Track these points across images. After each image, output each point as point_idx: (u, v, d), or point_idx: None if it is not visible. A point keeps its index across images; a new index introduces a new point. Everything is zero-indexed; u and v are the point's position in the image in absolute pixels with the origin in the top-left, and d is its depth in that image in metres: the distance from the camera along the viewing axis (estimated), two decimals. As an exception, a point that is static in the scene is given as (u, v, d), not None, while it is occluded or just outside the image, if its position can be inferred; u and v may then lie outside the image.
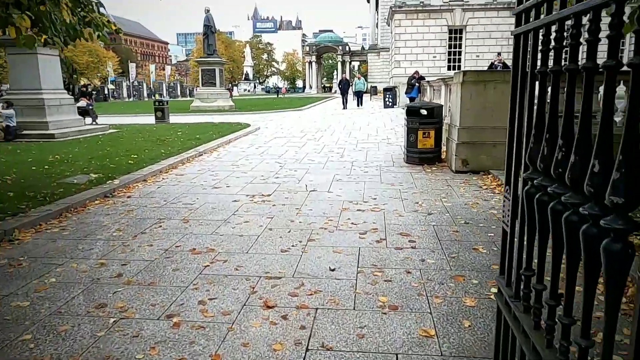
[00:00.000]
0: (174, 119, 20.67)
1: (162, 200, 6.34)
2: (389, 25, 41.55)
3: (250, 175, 8.02)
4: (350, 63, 75.17)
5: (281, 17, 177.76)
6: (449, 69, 32.93)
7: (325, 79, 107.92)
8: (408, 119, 8.71)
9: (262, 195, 6.59)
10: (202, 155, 10.32)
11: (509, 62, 16.79)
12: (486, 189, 6.83)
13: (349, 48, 76.04)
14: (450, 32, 32.74)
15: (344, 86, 26.99)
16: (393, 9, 32.92)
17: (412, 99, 17.71)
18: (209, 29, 28.85)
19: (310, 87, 76.02)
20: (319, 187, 7.08)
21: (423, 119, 8.54)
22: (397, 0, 32.68)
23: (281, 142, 12.42)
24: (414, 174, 7.98)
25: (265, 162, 9.39)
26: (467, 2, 32.18)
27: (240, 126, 15.93)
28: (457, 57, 33.21)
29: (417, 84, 17.40)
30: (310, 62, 74.27)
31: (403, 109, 23.94)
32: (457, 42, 33.01)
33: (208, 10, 28.81)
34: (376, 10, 66.37)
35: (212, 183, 7.44)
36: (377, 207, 5.85)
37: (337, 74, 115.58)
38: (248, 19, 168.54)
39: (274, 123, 18.33)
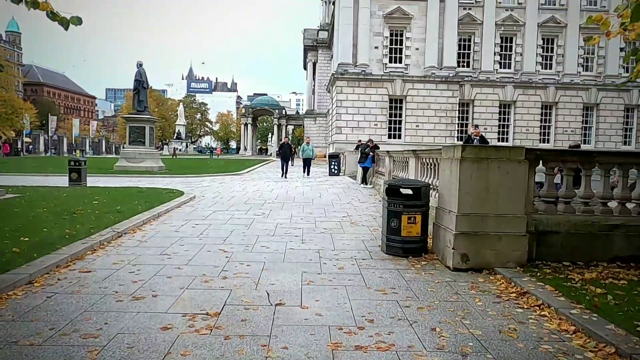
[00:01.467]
0: (92, 180, 17.97)
1: (47, 328, 4.06)
2: (328, 92, 41.61)
3: (187, 274, 5.88)
4: (286, 127, 74.97)
5: (216, 78, 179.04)
6: (389, 137, 32.94)
7: (259, 140, 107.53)
8: (389, 200, 7.09)
9: (207, 314, 4.50)
10: (122, 236, 8.00)
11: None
12: (507, 299, 5.20)
13: (285, 112, 76.17)
14: (391, 101, 32.97)
15: (286, 151, 23.72)
16: (335, 76, 32.77)
17: (365, 169, 16.44)
18: (141, 84, 26.78)
19: (245, 148, 74.53)
20: (287, 296, 5.11)
21: (408, 201, 6.96)
22: (339, 67, 32.63)
23: (223, 217, 10.33)
24: (403, 271, 6.24)
25: (206, 249, 7.27)
26: (407, 73, 32.79)
27: (172, 194, 13.66)
28: (397, 125, 33.32)
29: (371, 153, 16.19)
30: (246, 124, 73.22)
31: (351, 177, 22.72)
32: (398, 112, 33.24)
33: (141, 65, 26.84)
34: (313, 77, 67.56)
35: (132, 288, 5.23)
36: (381, 341, 3.97)
37: (271, 137, 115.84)
38: (182, 79, 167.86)
39: (212, 190, 16.19)
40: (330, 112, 41.11)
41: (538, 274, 5.96)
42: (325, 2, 65.75)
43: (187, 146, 75.01)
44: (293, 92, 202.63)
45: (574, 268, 6.29)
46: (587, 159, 6.77)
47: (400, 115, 33.25)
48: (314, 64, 66.38)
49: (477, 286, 5.68)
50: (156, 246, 7.38)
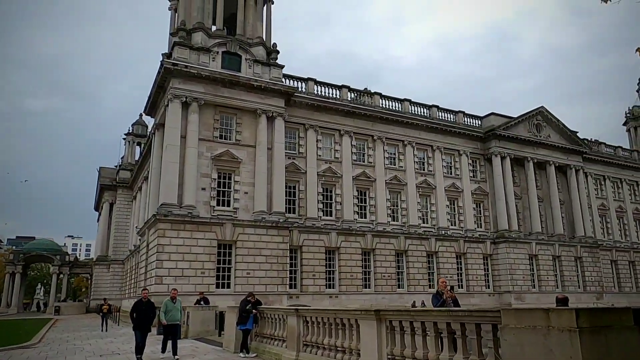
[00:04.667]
0: None
1: None
2: (141, 236, 36.41)
3: None
4: (68, 275, 62.92)
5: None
6: (217, 286, 29.45)
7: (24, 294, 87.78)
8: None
9: None
10: None
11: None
12: None
13: (69, 258, 64.53)
14: (219, 246, 30.10)
15: (149, 314, 13.56)
16: (157, 217, 28.78)
17: (246, 332, 12.86)
18: None
19: (9, 304, 58.69)
20: None
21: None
22: (161, 208, 28.95)
23: None
24: None
25: None
26: (237, 217, 30.95)
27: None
28: (227, 273, 30.16)
29: (254, 311, 12.85)
30: (13, 273, 58.81)
31: (201, 341, 17.91)
32: (228, 258, 30.37)
33: None
34: (109, 218, 60.29)
35: None
36: None
37: (42, 289, 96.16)
38: None
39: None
40: (143, 257, 35.53)
41: None
42: (129, 141, 62.28)
43: None
44: (69, 236, 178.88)
45: None
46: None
47: (230, 262, 30.34)
48: (111, 205, 59.78)
49: None
50: None
